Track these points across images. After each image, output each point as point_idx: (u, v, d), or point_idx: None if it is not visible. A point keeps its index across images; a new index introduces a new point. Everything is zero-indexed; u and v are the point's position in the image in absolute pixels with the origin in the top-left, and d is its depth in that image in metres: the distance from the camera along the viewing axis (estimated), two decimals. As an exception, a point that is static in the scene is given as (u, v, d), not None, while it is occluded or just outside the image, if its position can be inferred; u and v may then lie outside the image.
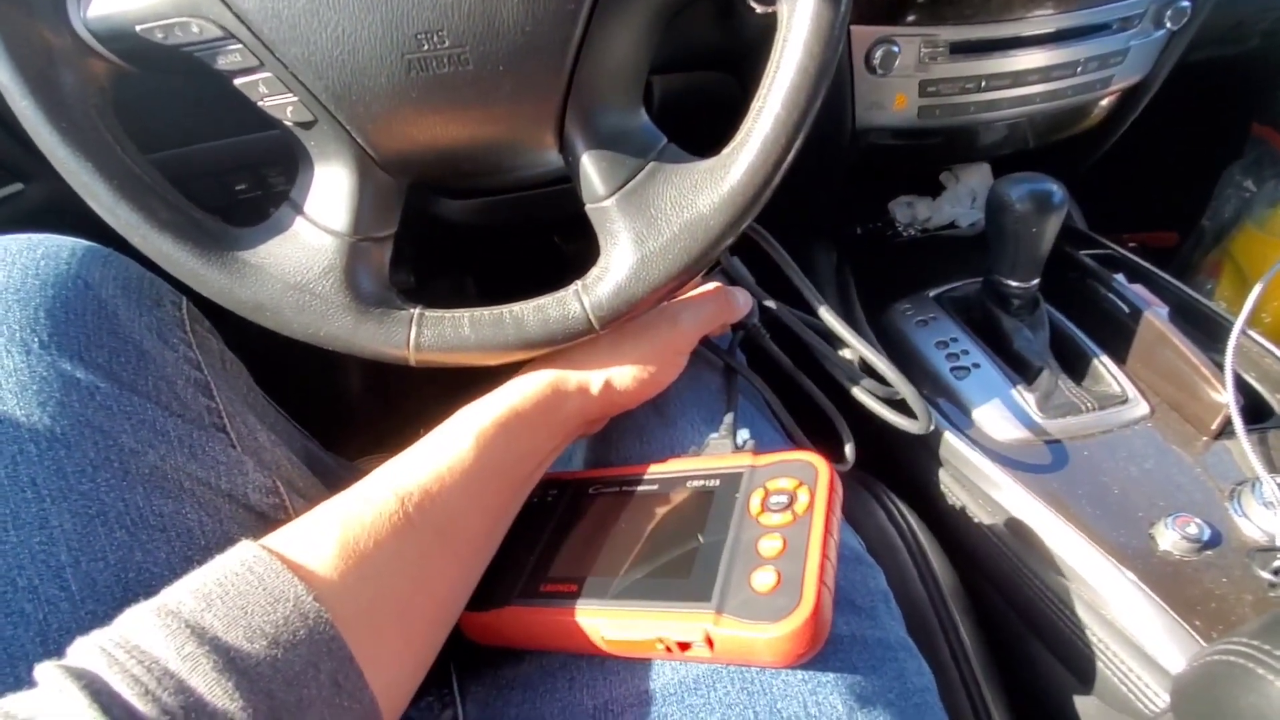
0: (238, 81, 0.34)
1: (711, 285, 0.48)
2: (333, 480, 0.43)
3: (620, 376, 0.40)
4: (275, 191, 0.62)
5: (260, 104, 0.34)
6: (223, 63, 0.33)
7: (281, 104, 0.34)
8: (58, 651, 0.25)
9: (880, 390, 0.49)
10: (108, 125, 0.35)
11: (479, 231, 0.84)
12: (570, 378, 0.39)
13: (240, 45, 0.32)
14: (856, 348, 0.47)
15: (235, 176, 0.61)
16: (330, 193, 0.36)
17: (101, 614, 0.29)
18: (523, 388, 0.38)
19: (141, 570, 0.31)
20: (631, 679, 0.33)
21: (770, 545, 0.32)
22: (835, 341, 0.49)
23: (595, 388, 0.40)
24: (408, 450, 0.35)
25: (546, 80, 0.34)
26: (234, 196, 0.62)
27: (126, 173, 0.34)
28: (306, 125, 0.35)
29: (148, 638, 0.23)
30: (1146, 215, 1.05)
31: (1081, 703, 0.45)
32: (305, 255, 0.36)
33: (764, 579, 0.31)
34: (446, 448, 0.34)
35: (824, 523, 0.32)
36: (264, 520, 0.36)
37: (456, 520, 0.33)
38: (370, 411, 1.00)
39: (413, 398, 0.92)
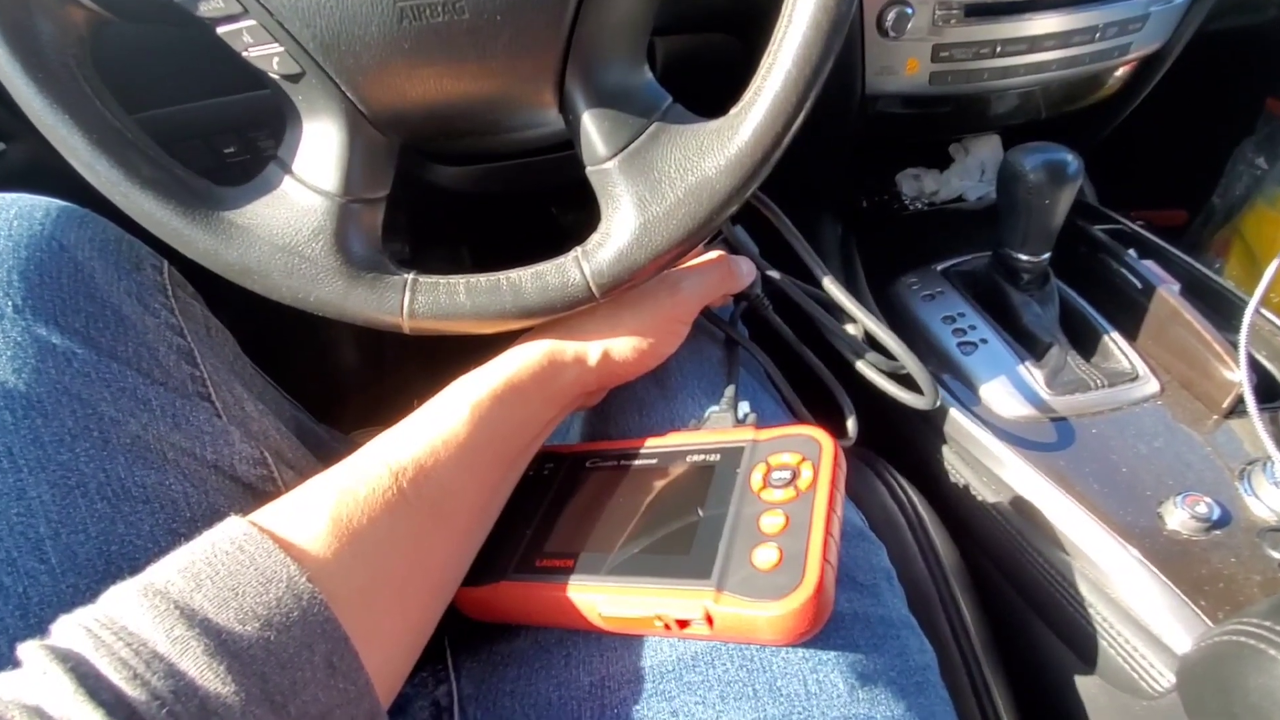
0: (221, 30, 0.32)
1: (714, 254, 0.47)
2: (324, 453, 0.42)
3: (619, 347, 0.39)
4: (264, 155, 0.60)
5: (245, 54, 0.32)
6: (204, 9, 0.31)
7: (267, 55, 0.32)
8: (39, 626, 0.24)
9: (885, 364, 0.48)
10: (87, 77, 0.33)
11: (474, 200, 0.82)
12: (567, 348, 0.38)
13: None
14: (861, 320, 0.46)
15: (222, 139, 0.59)
16: (319, 151, 0.35)
17: (83, 587, 0.28)
18: (518, 358, 0.37)
19: (125, 543, 0.30)
20: (629, 655, 0.32)
21: (772, 522, 0.31)
22: (839, 314, 0.48)
23: (593, 358, 0.39)
24: (401, 423, 0.34)
25: (546, 32, 0.32)
26: (221, 159, 0.60)
27: (106, 127, 0.33)
28: (293, 78, 0.33)
29: (135, 618, 0.23)
30: (1156, 191, 1.04)
31: (1083, 682, 0.45)
32: (294, 216, 0.35)
33: (766, 556, 0.30)
34: (441, 420, 0.33)
35: (827, 499, 0.31)
36: (252, 492, 0.35)
37: (452, 495, 0.32)
38: (363, 383, 0.98)
39: (406, 369, 0.91)
